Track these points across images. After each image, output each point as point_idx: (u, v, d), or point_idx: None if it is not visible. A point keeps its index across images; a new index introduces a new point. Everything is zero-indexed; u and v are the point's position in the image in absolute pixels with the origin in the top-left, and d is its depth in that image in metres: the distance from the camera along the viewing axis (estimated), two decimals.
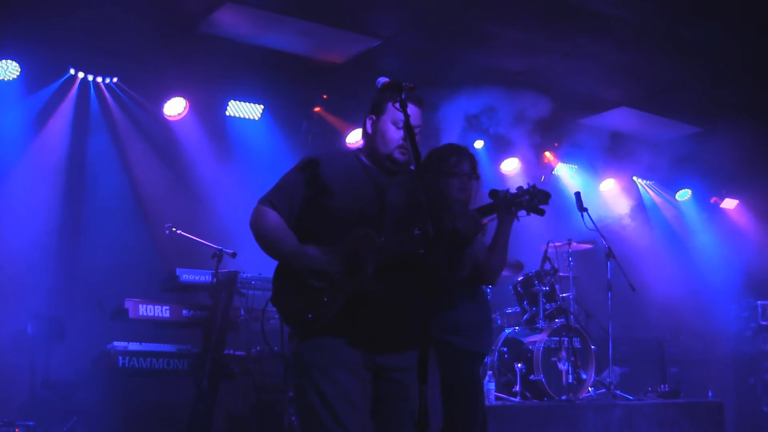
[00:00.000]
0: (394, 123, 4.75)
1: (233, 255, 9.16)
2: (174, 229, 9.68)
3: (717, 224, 15.54)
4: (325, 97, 12.23)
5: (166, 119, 11.20)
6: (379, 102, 4.85)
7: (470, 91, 11.24)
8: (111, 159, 10.91)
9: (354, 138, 12.54)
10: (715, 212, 15.75)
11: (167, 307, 9.47)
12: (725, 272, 13.67)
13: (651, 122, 13.80)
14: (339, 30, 10.50)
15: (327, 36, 10.64)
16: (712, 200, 15.77)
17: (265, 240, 4.74)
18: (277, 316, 9.88)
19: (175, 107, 11.16)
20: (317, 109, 12.27)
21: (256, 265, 9.93)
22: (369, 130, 4.89)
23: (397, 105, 4.52)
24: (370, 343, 4.54)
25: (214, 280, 9.14)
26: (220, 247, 9.20)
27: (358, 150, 4.97)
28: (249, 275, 9.72)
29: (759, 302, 13.98)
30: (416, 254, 4.51)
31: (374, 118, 4.87)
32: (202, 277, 9.45)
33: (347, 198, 4.66)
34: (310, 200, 4.72)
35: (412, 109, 4.53)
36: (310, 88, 12.01)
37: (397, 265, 4.55)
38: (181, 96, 11.13)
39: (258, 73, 11.16)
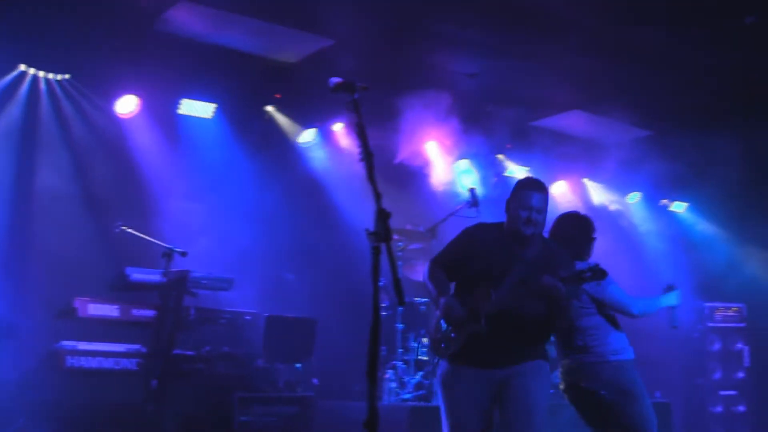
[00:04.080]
0: (521, 207, 6.16)
1: (183, 254, 9.11)
2: (124, 227, 9.62)
3: (666, 227, 15.67)
4: (278, 96, 12.20)
5: (117, 117, 11.11)
6: (514, 192, 6.32)
7: (425, 91, 11.29)
8: (61, 157, 10.81)
9: (305, 138, 12.51)
10: (665, 215, 15.88)
11: (116, 306, 9.42)
12: (674, 274, 13.80)
13: (603, 125, 13.89)
14: (293, 30, 10.48)
15: (281, 35, 10.62)
16: (662, 203, 15.89)
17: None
18: (228, 316, 9.90)
19: (126, 105, 11.07)
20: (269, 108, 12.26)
21: (207, 264, 9.92)
22: (506, 212, 6.33)
23: (523, 192, 6.21)
24: (486, 366, 6.06)
25: (165, 279, 9.07)
26: (171, 246, 9.13)
27: (502, 224, 6.38)
28: (199, 274, 9.70)
29: (706, 304, 14.13)
30: (518, 308, 5.95)
31: (510, 203, 6.30)
32: (152, 276, 9.38)
33: (483, 261, 6.20)
34: (461, 263, 6.32)
35: (530, 194, 6.19)
36: (263, 88, 11.97)
37: (504, 314, 5.96)
38: (133, 94, 11.04)
39: (211, 71, 11.11)
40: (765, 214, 12.72)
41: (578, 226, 7.33)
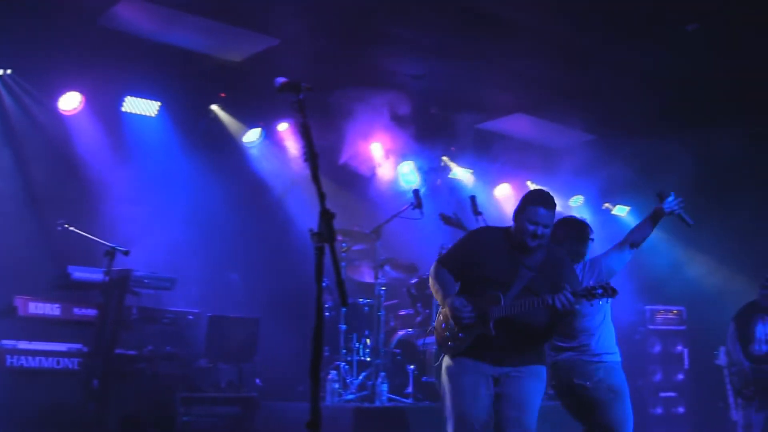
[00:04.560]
0: (529, 221, 6.41)
1: (126, 253, 9.04)
2: (66, 225, 9.52)
3: (608, 230, 15.79)
4: (223, 95, 12.15)
5: (60, 113, 10.99)
6: (523, 204, 6.50)
7: (370, 93, 11.30)
8: (2, 153, 10.68)
9: (250, 138, 12.47)
10: (607, 218, 16.00)
11: (58, 305, 9.33)
12: (615, 277, 13.91)
13: (546, 129, 13.99)
14: (238, 29, 10.45)
15: (226, 34, 10.58)
16: (604, 206, 16.02)
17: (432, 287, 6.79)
18: (171, 316, 9.84)
19: (70, 101, 10.96)
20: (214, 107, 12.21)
21: (150, 264, 9.86)
22: (514, 222, 6.55)
23: (531, 208, 6.43)
24: (489, 362, 6.43)
25: (107, 278, 8.98)
26: (113, 245, 9.05)
27: (508, 229, 6.67)
28: (142, 273, 9.65)
29: (647, 307, 14.28)
30: (524, 315, 6.26)
31: (518, 215, 6.52)
32: (95, 274, 9.29)
33: (488, 267, 6.54)
34: (467, 265, 6.64)
35: (538, 210, 6.41)
36: (208, 87, 11.92)
37: (511, 319, 6.30)
38: (76, 90, 10.94)
39: (156, 69, 11.03)
40: (705, 218, 12.86)
41: (577, 228, 7.72)
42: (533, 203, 6.47)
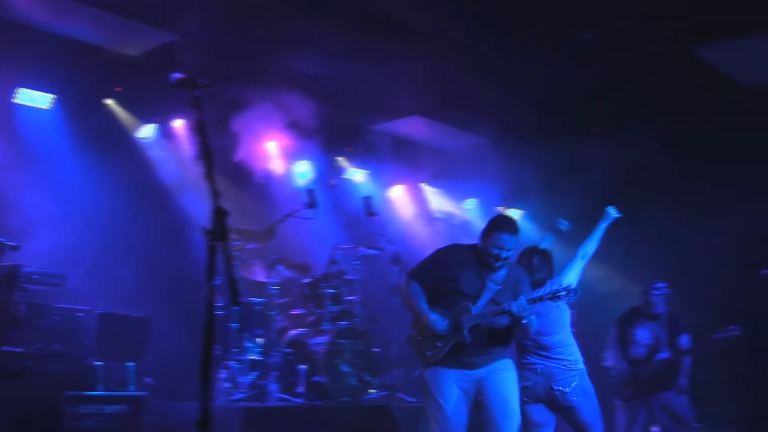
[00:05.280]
0: (494, 246, 7.16)
1: (15, 248, 8.91)
2: None
3: None
4: (118, 90, 12.01)
5: None
6: (489, 231, 7.26)
7: (267, 91, 11.27)
8: None
9: (145, 133, 12.34)
10: None
11: None
12: None
13: (442, 132, 14.10)
14: (136, 23, 10.33)
15: (124, 28, 10.43)
16: (496, 209, 16.17)
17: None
18: (61, 313, 9.69)
19: None
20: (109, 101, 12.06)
21: (39, 260, 9.71)
22: (481, 242, 7.31)
23: (496, 234, 7.19)
24: (466, 368, 7.15)
25: None
26: (2, 240, 8.91)
27: (474, 246, 7.40)
28: (31, 269, 9.49)
29: None
30: (491, 321, 7.12)
31: (484, 238, 7.27)
32: None
33: (457, 282, 7.23)
34: (439, 280, 7.32)
35: (502, 236, 7.16)
36: (103, 80, 11.75)
37: (481, 326, 7.11)
38: None
39: (50, 61, 10.82)
40: (591, 224, 13.10)
41: (549, 258, 8.60)
42: (498, 230, 7.22)
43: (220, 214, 4.33)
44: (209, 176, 4.44)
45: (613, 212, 8.96)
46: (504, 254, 7.18)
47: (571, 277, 8.52)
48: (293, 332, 11.05)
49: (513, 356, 7.70)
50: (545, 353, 8.15)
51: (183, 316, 9.74)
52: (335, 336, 10.61)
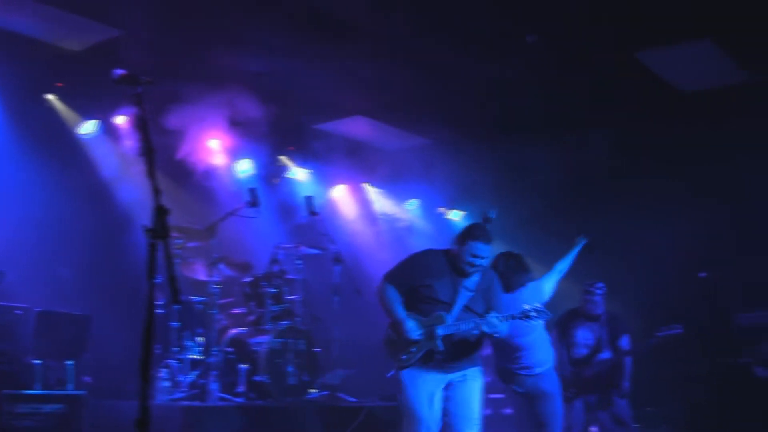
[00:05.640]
0: (469, 254, 7.32)
1: None
2: None
3: (443, 234, 16.02)
4: (60, 85, 11.89)
5: None
6: (464, 239, 7.38)
7: (210, 89, 11.22)
8: None
9: (86, 130, 12.22)
10: (442, 222, 16.23)
11: None
12: None
13: (385, 132, 14.12)
14: (79, 17, 10.21)
15: (65, 21, 10.30)
16: (439, 210, 16.23)
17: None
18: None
19: None
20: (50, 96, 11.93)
21: None
22: (455, 249, 7.44)
23: (472, 243, 7.32)
24: (438, 371, 7.42)
25: None
26: None
27: (448, 252, 7.54)
28: None
29: None
30: (469, 332, 7.33)
31: (459, 246, 7.40)
32: None
33: (431, 288, 7.42)
34: (415, 286, 7.47)
35: (477, 245, 7.31)
36: (44, 75, 11.62)
37: (453, 335, 7.34)
38: None
39: None
40: (535, 225, 13.18)
41: (516, 260, 9.12)
42: (474, 239, 7.37)
43: (161, 211, 4.31)
44: (151, 174, 4.42)
45: (583, 239, 9.77)
46: (479, 262, 7.38)
47: (548, 286, 9.24)
48: (234, 331, 11.02)
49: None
50: (507, 358, 8.97)
51: (123, 314, 9.66)
52: (276, 335, 10.60)
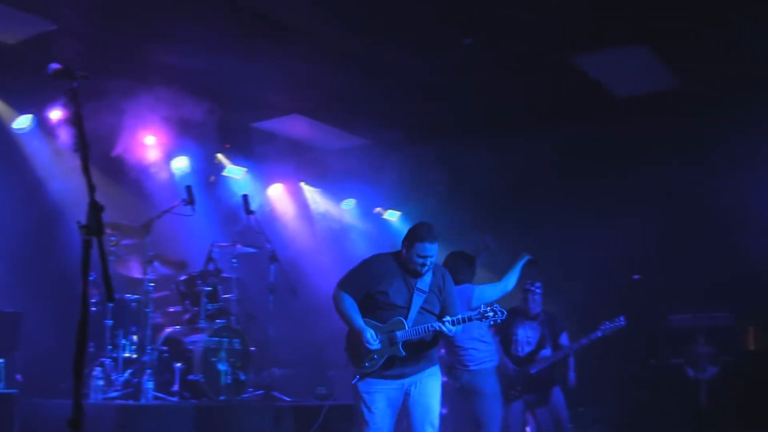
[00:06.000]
0: (417, 255, 7.37)
1: None
2: None
3: (380, 234, 16.06)
4: None
5: None
6: (411, 241, 7.43)
7: (146, 85, 11.15)
8: None
9: (20, 124, 12.07)
10: (378, 222, 16.26)
11: None
12: None
13: (322, 131, 14.12)
14: (13, 9, 10.08)
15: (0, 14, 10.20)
16: (376, 210, 16.26)
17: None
18: None
19: None
20: None
21: None
22: (404, 252, 7.50)
23: (419, 244, 7.36)
24: (396, 377, 7.48)
25: None
26: None
27: (398, 254, 7.59)
28: None
29: None
30: (427, 334, 7.42)
31: (407, 248, 7.47)
32: None
33: (385, 293, 7.48)
34: (363, 290, 7.53)
35: (425, 246, 7.35)
36: None
37: (414, 339, 7.43)
38: None
39: None
40: (471, 226, 13.24)
41: (466, 260, 9.51)
42: (420, 240, 7.41)
43: (95, 208, 4.27)
44: (85, 169, 4.37)
45: (526, 255, 9.73)
46: (428, 261, 7.43)
47: (489, 293, 9.28)
48: (169, 330, 10.95)
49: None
50: (451, 353, 9.31)
51: (56, 311, 9.58)
52: (211, 334, 10.55)
